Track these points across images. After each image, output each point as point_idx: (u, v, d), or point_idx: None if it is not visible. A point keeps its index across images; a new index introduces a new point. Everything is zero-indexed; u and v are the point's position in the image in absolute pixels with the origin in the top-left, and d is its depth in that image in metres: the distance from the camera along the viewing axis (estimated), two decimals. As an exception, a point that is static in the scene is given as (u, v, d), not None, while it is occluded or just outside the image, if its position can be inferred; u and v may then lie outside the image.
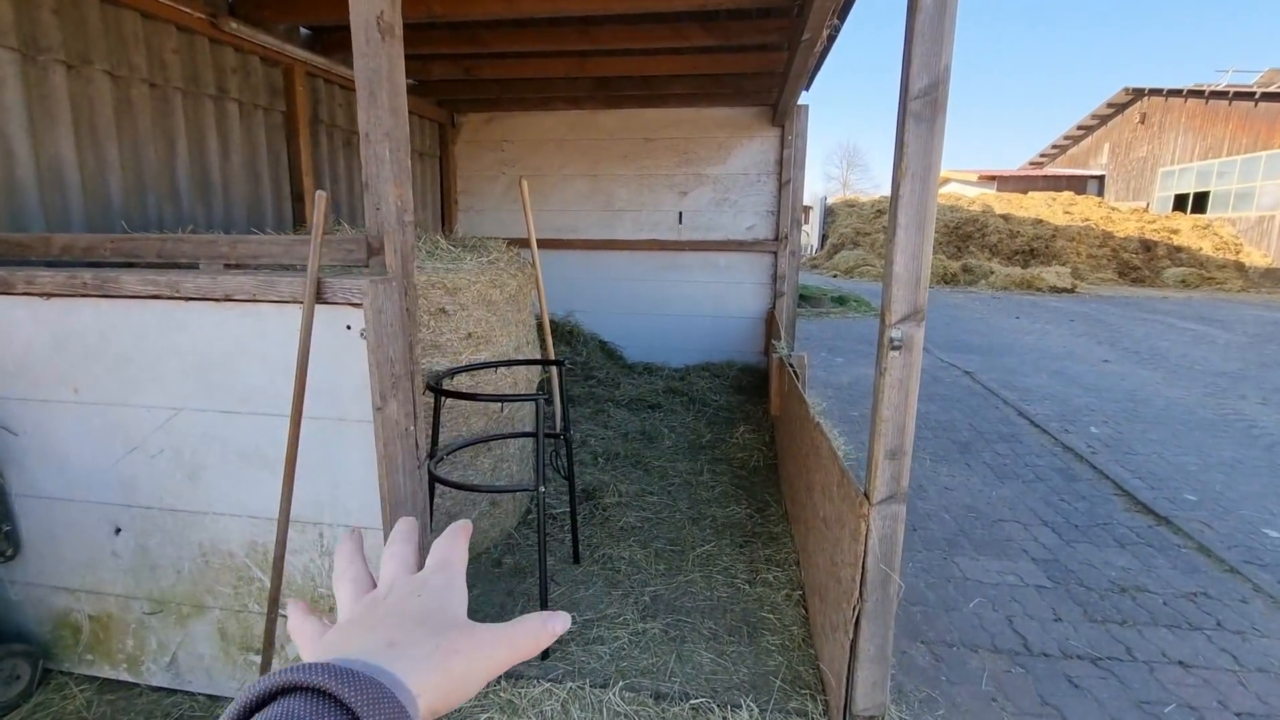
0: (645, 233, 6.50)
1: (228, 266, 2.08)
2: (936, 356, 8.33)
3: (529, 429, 3.52)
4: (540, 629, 0.41)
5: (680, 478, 4.08)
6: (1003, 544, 3.52)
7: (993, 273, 17.87)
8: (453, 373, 2.78)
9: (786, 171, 6.12)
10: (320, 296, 1.86)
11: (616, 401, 5.50)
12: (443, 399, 2.80)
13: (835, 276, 19.73)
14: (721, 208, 6.35)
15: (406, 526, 0.48)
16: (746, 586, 2.89)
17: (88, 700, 2.29)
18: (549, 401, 4.95)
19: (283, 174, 4.27)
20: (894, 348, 1.74)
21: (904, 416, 1.78)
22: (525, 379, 3.32)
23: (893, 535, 1.84)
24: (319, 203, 1.82)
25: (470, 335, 2.90)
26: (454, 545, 0.46)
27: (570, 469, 3.05)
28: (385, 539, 1.91)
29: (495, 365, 2.98)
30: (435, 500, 2.87)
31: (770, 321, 6.24)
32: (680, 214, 6.41)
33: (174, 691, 2.32)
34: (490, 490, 2.33)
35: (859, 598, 1.89)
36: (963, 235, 21.73)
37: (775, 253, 6.26)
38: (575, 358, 6.24)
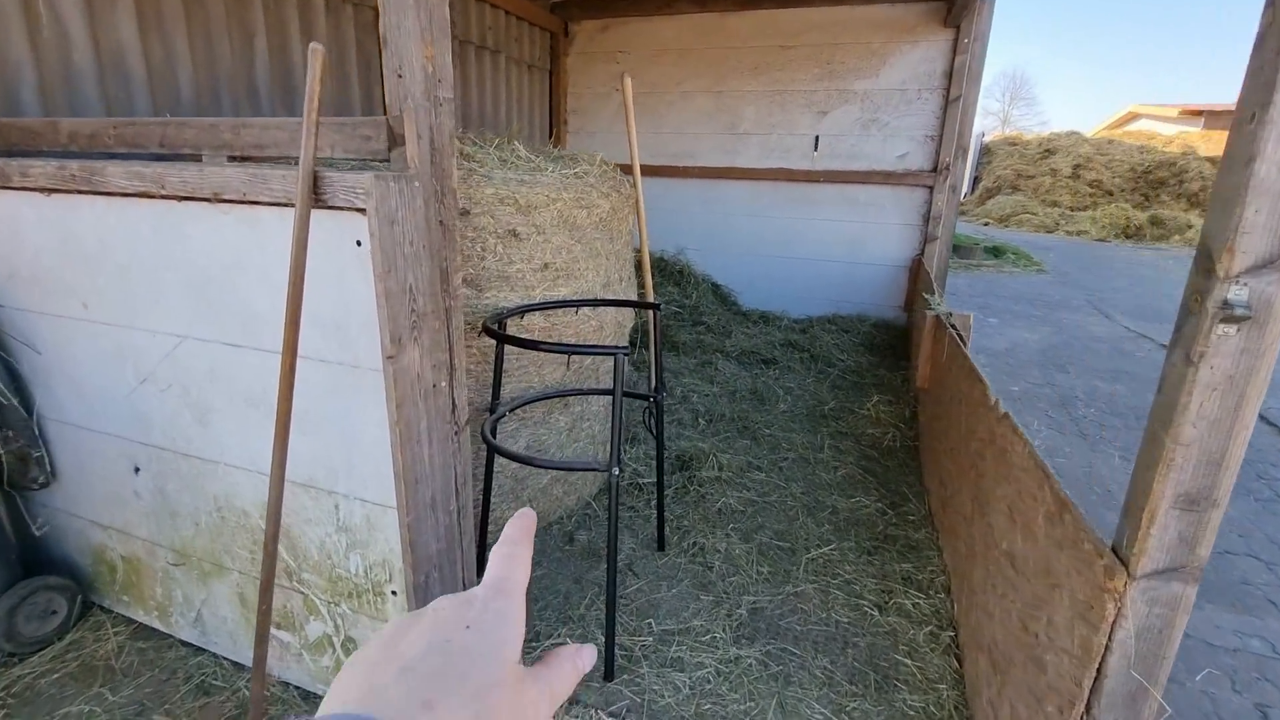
0: (773, 160, 5.61)
1: (232, 159, 1.62)
2: (1121, 324, 6.86)
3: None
4: (573, 672, 0.36)
5: (795, 452, 3.40)
6: (1238, 590, 2.58)
7: (1190, 226, 14.97)
8: (521, 311, 2.25)
9: (956, 86, 4.95)
10: (319, 197, 1.35)
11: (726, 353, 4.84)
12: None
13: (987, 224, 17.44)
14: (868, 131, 5.31)
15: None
16: (875, 612, 2.23)
17: (119, 645, 2.09)
18: (638, 361, 4.39)
19: (374, 75, 3.86)
20: (1231, 318, 0.96)
21: (1226, 441, 1.01)
22: (615, 323, 2.75)
23: (1165, 632, 1.10)
24: (314, 60, 1.28)
25: (547, 266, 2.34)
26: (515, 558, 0.37)
27: (660, 439, 2.48)
28: (402, 524, 1.38)
29: (575, 304, 2.42)
30: (497, 464, 2.42)
31: (916, 271, 5.24)
32: (817, 138, 5.45)
33: (201, 650, 2.07)
34: (552, 466, 1.82)
35: (1084, 711, 1.19)
36: (1153, 181, 18.40)
37: (931, 188, 5.17)
38: (684, 300, 5.60)
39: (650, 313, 2.51)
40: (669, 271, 5.86)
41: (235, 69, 3.05)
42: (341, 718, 0.27)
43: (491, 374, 2.25)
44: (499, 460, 2.46)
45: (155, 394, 1.82)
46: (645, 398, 2.41)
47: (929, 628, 2.13)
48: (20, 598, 2.02)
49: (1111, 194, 18.33)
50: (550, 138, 6.00)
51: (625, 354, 1.76)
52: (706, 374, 4.48)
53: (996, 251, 11.14)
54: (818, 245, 5.66)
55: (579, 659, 0.37)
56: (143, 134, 1.69)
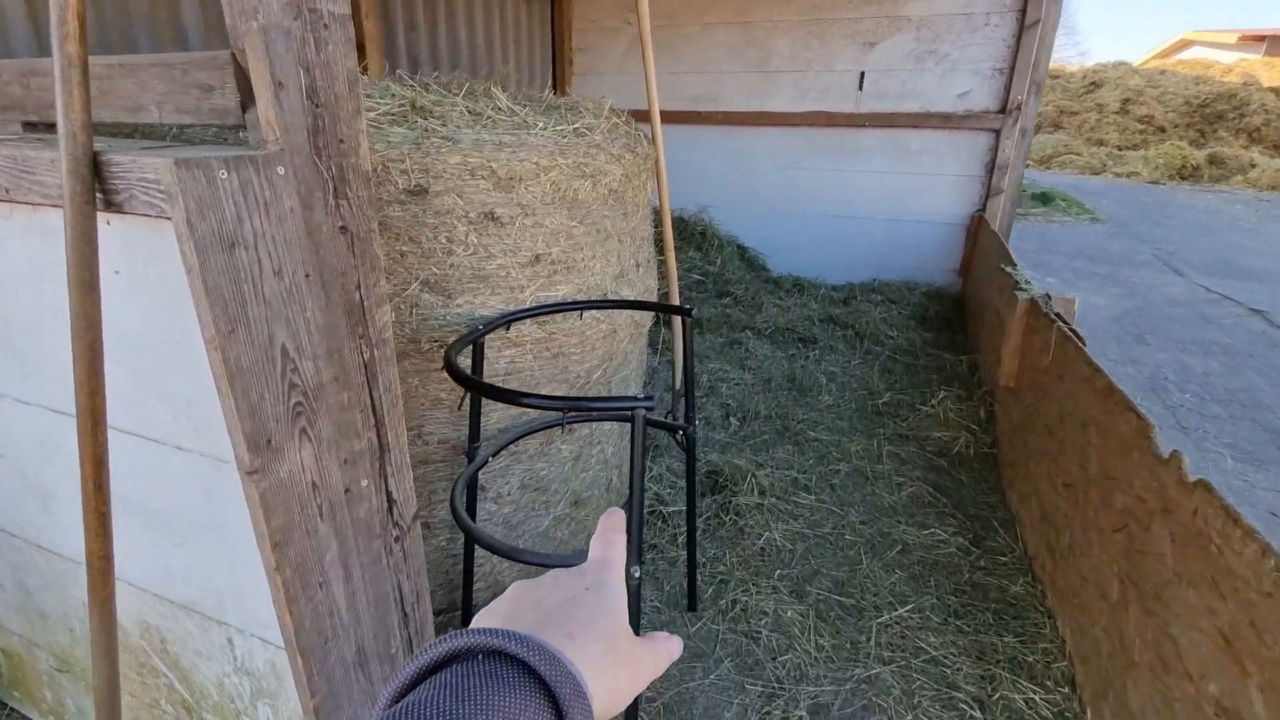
0: (810, 102, 4.86)
1: (29, 126, 1.04)
2: (1197, 283, 6.11)
3: (631, 390, 2.41)
4: (666, 654, 0.41)
5: (848, 463, 2.85)
6: None
7: (1254, 165, 13.76)
8: (506, 321, 1.68)
9: (1035, 7, 4.14)
10: (108, 195, 0.77)
11: (758, 330, 4.23)
12: (487, 348, 1.73)
13: (1027, 166, 16.25)
14: (923, 65, 4.52)
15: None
16: (976, 711, 1.70)
17: (15, 756, 1.65)
18: (658, 346, 3.78)
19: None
20: None
21: None
22: (631, 323, 2.17)
23: None
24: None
25: (539, 259, 1.75)
26: (613, 543, 0.45)
27: (691, 478, 1.93)
28: (307, 709, 0.87)
29: (579, 307, 1.84)
30: (484, 507, 1.90)
31: (976, 230, 4.54)
32: (862, 75, 4.68)
33: (108, 769, 1.61)
34: (532, 561, 1.26)
35: None
36: (1210, 116, 17.06)
37: (997, 131, 4.42)
38: (707, 267, 4.97)
39: (677, 319, 1.92)
40: (689, 233, 5.20)
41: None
42: (507, 632, 0.31)
43: (467, 399, 1.70)
44: (484, 507, 1.93)
45: (-13, 466, 1.30)
46: (673, 429, 1.85)
47: (1054, 741, 1.61)
48: None
49: (1164, 130, 16.96)
50: (552, 82, 5.27)
51: (648, 408, 1.19)
52: (735, 356, 3.89)
53: (1044, 198, 10.23)
54: (860, 201, 4.95)
55: (671, 645, 0.42)
56: (-93, 89, 1.10)
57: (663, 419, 3.02)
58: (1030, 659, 1.83)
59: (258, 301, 0.76)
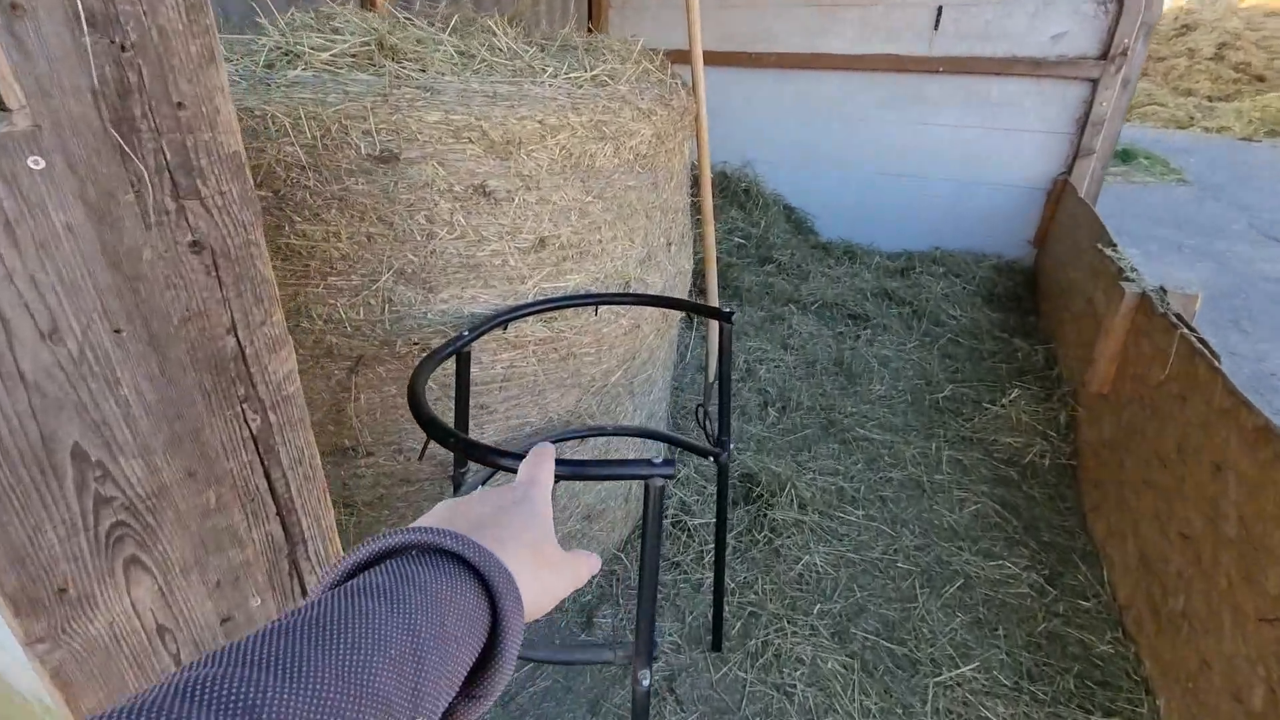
0: (876, 43, 4.28)
1: None
2: (1306, 260, 5.41)
3: (656, 389, 2.09)
4: (586, 567, 0.44)
5: (902, 468, 2.50)
6: None
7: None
8: (503, 320, 1.36)
9: (1157, -73, 3.47)
10: None
11: (803, 304, 3.84)
12: (473, 357, 1.44)
13: (1103, 118, 14.90)
14: (1009, 1, 3.90)
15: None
16: (1058, 813, 1.41)
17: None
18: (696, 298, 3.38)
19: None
20: None
21: None
22: (658, 316, 1.83)
23: None
24: None
25: (543, 243, 1.41)
26: (540, 465, 0.48)
27: (723, 508, 1.62)
28: None
29: (593, 302, 1.50)
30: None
31: (1059, 196, 4.00)
32: (939, 11, 4.07)
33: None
34: (551, 661, 0.98)
35: None
36: (1322, 62, 15.36)
37: (1095, 80, 3.81)
38: (749, 229, 4.53)
39: (714, 323, 1.58)
40: (731, 191, 4.75)
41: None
42: (443, 530, 0.34)
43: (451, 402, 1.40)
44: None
45: None
46: (704, 453, 1.54)
47: None
48: None
49: (1263, 80, 15.28)
50: (590, 13, 4.77)
51: (667, 476, 0.87)
52: (777, 334, 3.52)
53: (1125, 155, 9.29)
54: (926, 159, 4.41)
55: (591, 561, 0.45)
56: None
57: (693, 425, 2.70)
58: (1125, 747, 1.52)
59: (10, 388, 0.46)
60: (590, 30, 4.80)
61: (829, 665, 1.72)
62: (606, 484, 1.92)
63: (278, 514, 0.71)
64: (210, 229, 0.58)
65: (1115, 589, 1.94)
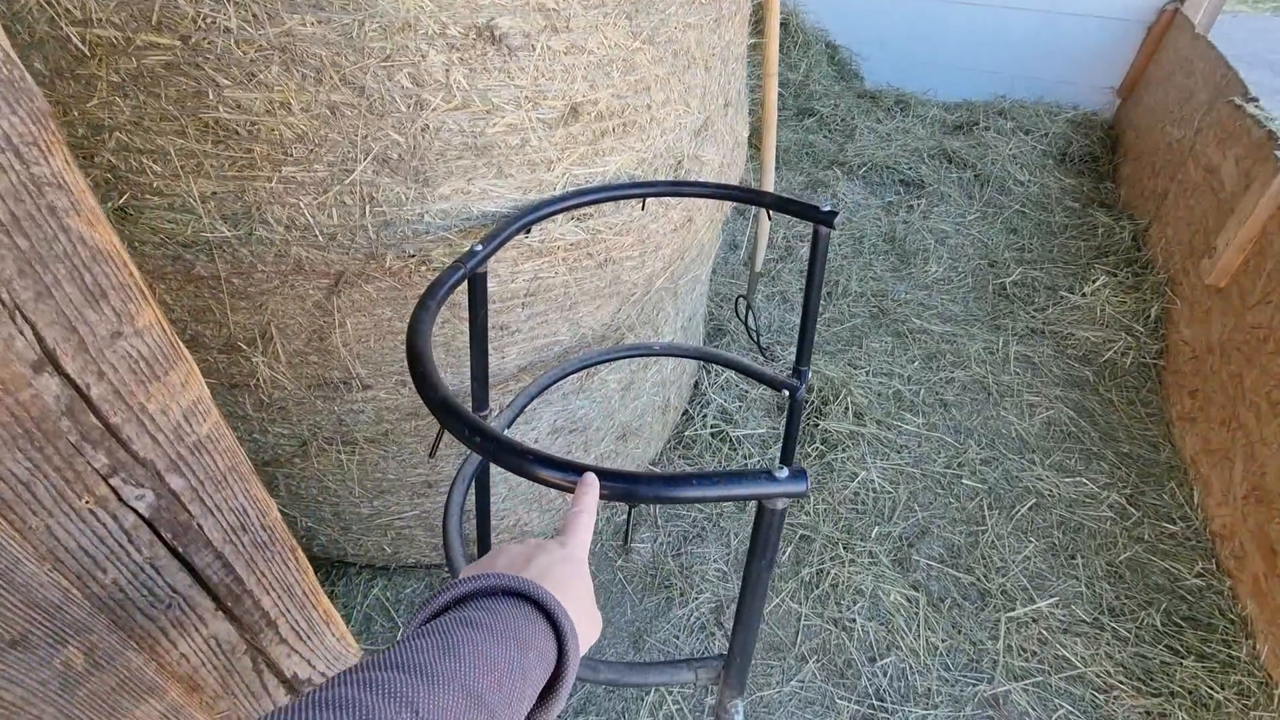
0: None
1: None
2: None
3: (700, 287, 1.78)
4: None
5: (965, 368, 2.24)
6: None
7: None
8: (525, 224, 1.01)
9: None
10: None
11: (848, 167, 3.36)
12: (489, 278, 1.13)
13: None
14: None
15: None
16: (1143, 766, 1.31)
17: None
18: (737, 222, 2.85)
19: None
20: None
21: None
22: (713, 205, 1.46)
23: None
24: None
25: (575, 111, 1.02)
26: (580, 525, 0.52)
27: (790, 448, 1.37)
28: None
29: (642, 193, 1.14)
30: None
31: (1162, 31, 3.36)
32: None
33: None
34: (628, 685, 0.77)
35: None
36: None
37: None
38: (788, 74, 3.90)
39: (818, 226, 1.23)
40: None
41: None
42: (525, 580, 0.41)
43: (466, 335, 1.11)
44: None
45: None
46: (777, 386, 1.26)
47: (1254, 830, 1.22)
48: None
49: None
50: None
51: (798, 495, 0.60)
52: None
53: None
54: (1002, -19, 3.67)
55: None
56: None
57: (732, 318, 2.39)
58: (1218, 696, 1.39)
59: None
60: None
61: (891, 597, 1.57)
62: (644, 398, 1.67)
63: (218, 610, 0.45)
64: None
65: (1208, 515, 1.75)
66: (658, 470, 1.88)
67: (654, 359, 1.65)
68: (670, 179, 1.23)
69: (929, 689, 1.43)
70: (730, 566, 1.66)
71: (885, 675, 1.45)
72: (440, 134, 0.94)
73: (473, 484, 1.13)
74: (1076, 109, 3.76)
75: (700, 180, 1.28)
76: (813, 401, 2.03)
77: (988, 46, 3.87)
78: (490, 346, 1.18)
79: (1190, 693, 1.40)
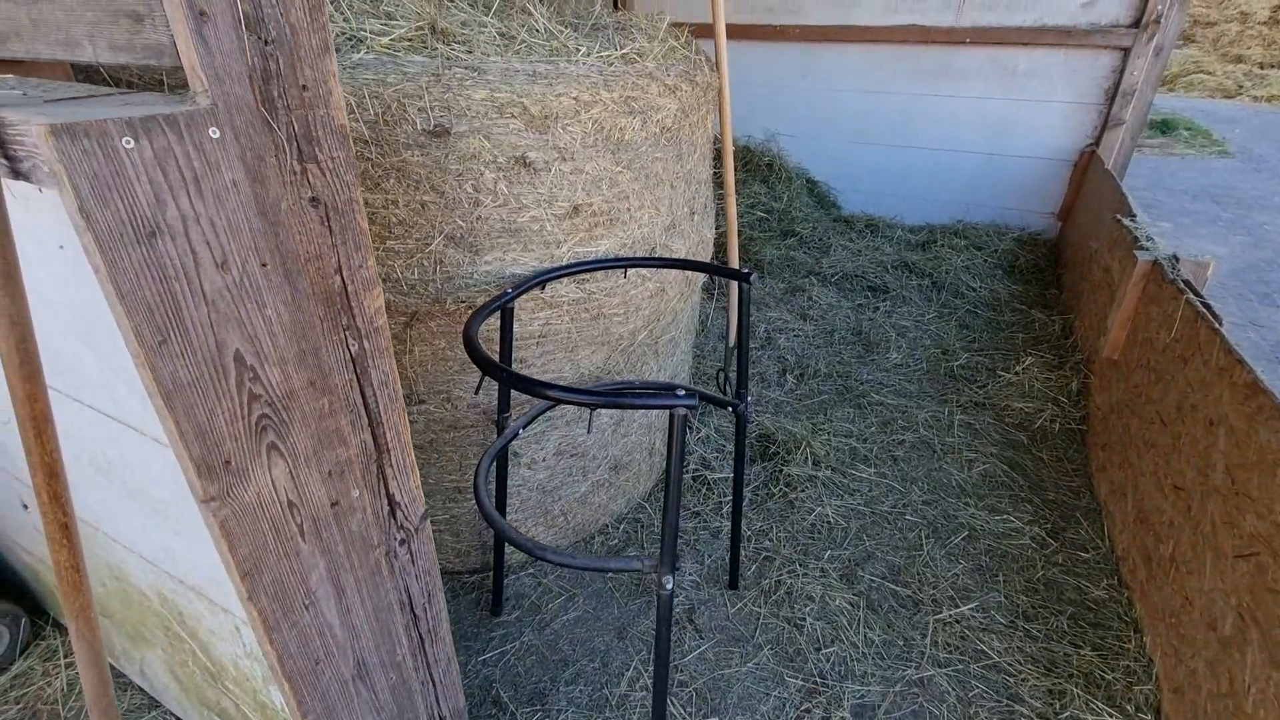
0: (902, 14, 4.27)
1: (-21, 63, 0.90)
2: (1346, 233, 5.29)
3: (680, 350, 2.23)
4: None
5: (914, 432, 2.61)
6: None
7: None
8: (540, 280, 1.51)
9: (1194, -110, 3.39)
10: (13, 163, 0.62)
11: (823, 276, 3.92)
12: (515, 313, 1.59)
13: (1145, 88, 14.36)
14: (1042, -32, 3.87)
15: None
16: (1042, 732, 1.55)
17: (69, 682, 1.73)
18: (712, 288, 3.48)
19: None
20: None
21: None
22: (682, 279, 1.96)
23: None
24: None
25: (577, 210, 1.55)
26: None
27: (740, 459, 1.76)
28: None
29: (623, 265, 1.64)
30: (518, 472, 1.80)
31: (1085, 168, 4.00)
32: (967, -20, 4.05)
33: (155, 704, 1.67)
34: (587, 568, 1.14)
35: None
36: (1385, 25, 14.61)
37: (1126, 49, 3.78)
38: (772, 203, 4.60)
39: (733, 284, 1.70)
40: (755, 165, 4.81)
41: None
42: None
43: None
44: (517, 473, 1.83)
45: (2, 424, 1.26)
46: (723, 404, 1.68)
47: (1131, 778, 1.44)
48: (-57, 634, 1.65)
49: (1321, 44, 14.60)
50: (614, -8, 4.82)
51: (689, 407, 1.01)
52: (797, 305, 3.62)
53: (1164, 126, 9.05)
54: (949, 131, 4.42)
55: None
56: None
57: (713, 389, 2.84)
58: (1108, 677, 1.64)
59: (195, 303, 0.62)
60: (616, 5, 4.86)
61: (837, 602, 1.87)
62: (632, 436, 2.08)
63: (369, 425, 0.88)
64: (324, 188, 0.73)
65: (1114, 542, 2.05)
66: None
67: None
68: (640, 257, 1.73)
69: (865, 672, 1.69)
70: (702, 578, 1.97)
71: (828, 661, 1.72)
72: (488, 221, 1.46)
73: (494, 462, 1.53)
74: (1024, 230, 4.36)
75: (659, 256, 1.78)
76: (778, 452, 2.41)
77: (945, 181, 4.57)
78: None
79: (1086, 675, 1.65)
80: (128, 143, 0.54)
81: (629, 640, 1.79)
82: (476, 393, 1.34)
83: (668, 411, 1.03)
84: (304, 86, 0.68)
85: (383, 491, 0.93)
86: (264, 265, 0.67)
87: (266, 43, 0.63)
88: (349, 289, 0.79)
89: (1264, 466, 1.35)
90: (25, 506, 1.46)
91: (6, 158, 0.61)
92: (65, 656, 1.79)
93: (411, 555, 1.01)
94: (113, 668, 1.76)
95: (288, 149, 0.68)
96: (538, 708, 1.61)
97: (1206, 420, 1.64)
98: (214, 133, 0.60)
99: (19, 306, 0.65)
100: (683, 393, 1.02)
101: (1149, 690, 1.59)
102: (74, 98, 0.66)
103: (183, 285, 0.60)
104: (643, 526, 2.16)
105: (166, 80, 1.12)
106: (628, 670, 1.70)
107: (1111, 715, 1.55)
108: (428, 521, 1.05)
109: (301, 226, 0.71)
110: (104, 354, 0.81)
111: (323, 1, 0.68)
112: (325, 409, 0.79)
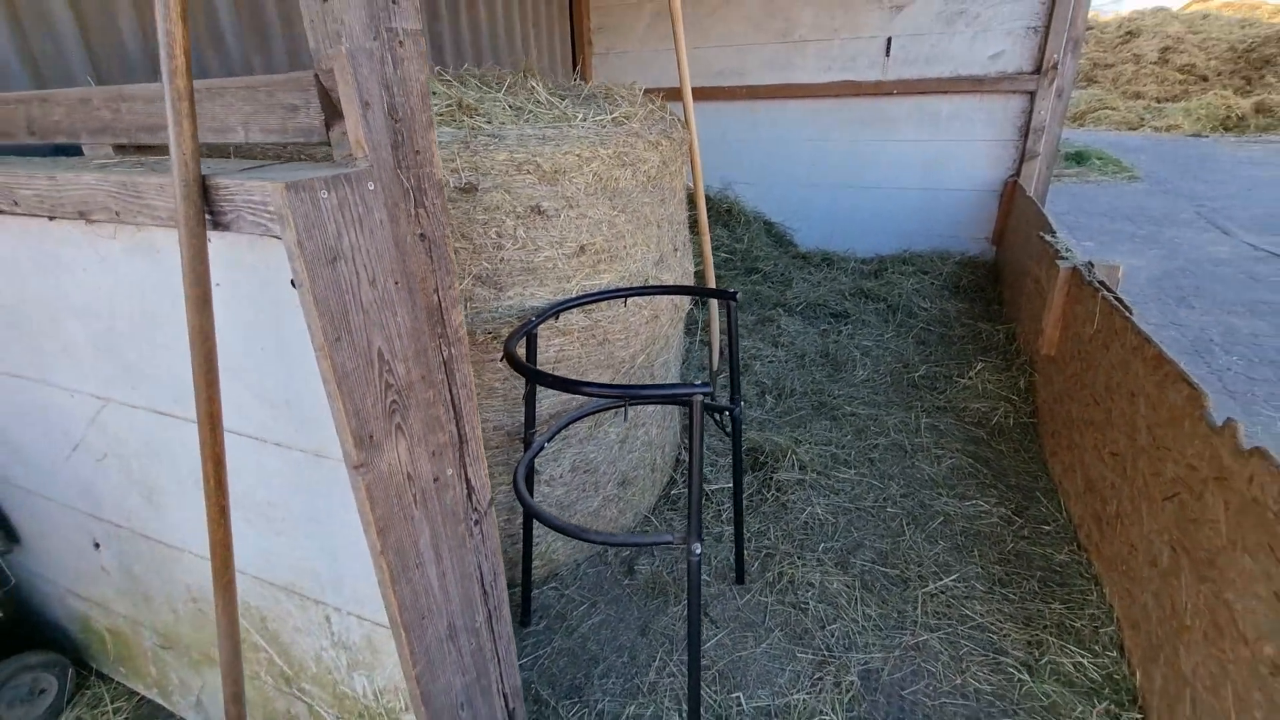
0: (835, 72, 4.78)
1: (120, 149, 1.11)
2: (1245, 241, 5.92)
3: (672, 373, 2.46)
4: None
5: (886, 436, 2.87)
6: None
7: (1305, 113, 13.11)
8: (556, 310, 1.73)
9: (1070, -41, 3.99)
10: (216, 216, 0.83)
11: (788, 306, 4.24)
12: (539, 339, 1.80)
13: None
14: (953, 26, 4.41)
15: None
16: (1025, 676, 1.75)
17: (119, 728, 1.80)
18: (693, 329, 3.78)
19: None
20: None
21: None
22: (671, 306, 2.21)
23: None
24: (161, -17, 0.74)
25: (584, 249, 1.80)
26: None
27: (738, 455, 1.98)
28: (408, 676, 0.97)
29: (624, 294, 1.88)
30: (538, 489, 1.98)
31: (1010, 196, 4.46)
32: (889, 41, 4.58)
33: (209, 736, 1.75)
34: (614, 543, 1.34)
35: None
36: (1257, 61, 16.32)
37: (1032, 93, 4.31)
38: (734, 245, 4.96)
39: (715, 303, 1.95)
40: (715, 211, 5.19)
41: (192, 5, 2.49)
42: None
43: (521, 387, 1.77)
44: (538, 490, 2.01)
45: (92, 464, 1.40)
46: (721, 409, 1.90)
47: (1104, 704, 1.65)
48: (-3, 684, 1.72)
49: (1206, 80, 16.23)
50: (575, 66, 5.25)
51: (706, 392, 1.24)
52: (768, 334, 3.91)
53: (1079, 157, 9.92)
54: (889, 171, 4.88)
55: None
56: (4, 118, 1.18)
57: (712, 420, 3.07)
58: (1077, 624, 1.87)
59: (357, 310, 0.83)
60: (576, 73, 5.28)
61: (835, 586, 2.07)
62: (636, 453, 2.28)
63: (455, 418, 1.08)
64: (429, 226, 0.95)
65: (1070, 512, 2.30)
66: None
67: (640, 426, 2.29)
68: (638, 287, 1.97)
69: (867, 642, 1.88)
70: (712, 576, 2.15)
71: (833, 636, 1.91)
72: (510, 262, 1.69)
73: (529, 467, 1.72)
74: (964, 254, 4.79)
75: (653, 285, 2.03)
76: (766, 461, 2.63)
77: (890, 215, 5.01)
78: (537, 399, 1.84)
79: (1058, 625, 1.87)
80: (324, 194, 0.76)
81: (651, 636, 1.94)
82: (525, 398, 1.54)
83: (682, 407, 1.25)
84: (417, 151, 0.91)
85: (463, 475, 1.12)
86: (396, 283, 0.89)
87: (397, 121, 0.87)
88: (443, 305, 1.00)
89: (1175, 422, 1.63)
90: (97, 545, 1.58)
91: (211, 213, 0.83)
92: (112, 703, 1.86)
93: (483, 535, 1.20)
94: (163, 709, 1.83)
95: (410, 197, 0.90)
96: (576, 700, 1.75)
97: (1129, 393, 1.93)
98: (370, 186, 0.82)
99: (208, 325, 0.85)
100: (699, 383, 1.25)
101: (1111, 631, 1.82)
102: (252, 168, 0.88)
103: (350, 297, 0.81)
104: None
105: (293, 153, 1.34)
106: (654, 661, 1.85)
107: (1083, 654, 1.77)
108: (494, 508, 1.23)
109: (415, 255, 0.93)
110: (240, 373, 1.00)
111: (428, 91, 0.92)
112: (430, 399, 0.99)
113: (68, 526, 1.61)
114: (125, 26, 2.27)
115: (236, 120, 0.93)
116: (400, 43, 0.86)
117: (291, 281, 0.85)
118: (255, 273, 0.89)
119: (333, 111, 0.86)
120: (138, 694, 1.88)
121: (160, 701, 1.83)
